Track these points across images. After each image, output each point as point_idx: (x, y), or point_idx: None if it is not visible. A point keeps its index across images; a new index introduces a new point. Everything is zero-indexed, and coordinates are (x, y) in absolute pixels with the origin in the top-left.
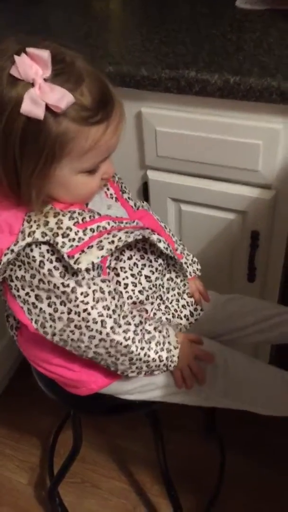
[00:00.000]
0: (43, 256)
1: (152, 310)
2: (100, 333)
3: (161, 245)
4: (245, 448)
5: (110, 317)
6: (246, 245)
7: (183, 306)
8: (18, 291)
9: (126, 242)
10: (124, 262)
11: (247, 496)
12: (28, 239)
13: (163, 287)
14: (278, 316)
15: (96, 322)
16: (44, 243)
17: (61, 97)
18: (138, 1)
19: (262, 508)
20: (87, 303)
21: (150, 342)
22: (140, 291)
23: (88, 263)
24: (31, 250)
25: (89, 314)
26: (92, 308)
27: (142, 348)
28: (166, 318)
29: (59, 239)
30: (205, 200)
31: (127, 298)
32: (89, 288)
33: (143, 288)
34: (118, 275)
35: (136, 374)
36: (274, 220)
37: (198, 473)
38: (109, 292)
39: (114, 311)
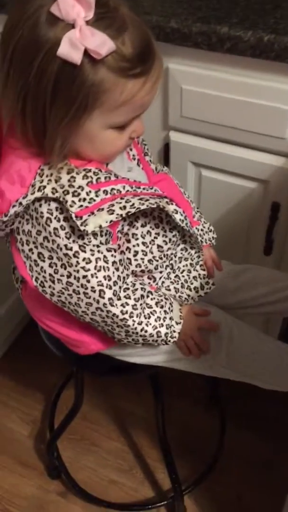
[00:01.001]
0: (51, 213)
1: (160, 278)
2: (98, 302)
3: (177, 217)
4: (245, 420)
5: (110, 288)
6: (266, 216)
7: (194, 277)
8: (22, 245)
9: (138, 209)
10: (137, 228)
11: (243, 468)
12: (37, 194)
13: (175, 256)
14: None
15: (95, 291)
16: (54, 199)
17: (102, 43)
18: None
19: (257, 481)
20: (88, 270)
21: (149, 317)
22: (149, 260)
23: (96, 226)
24: (40, 206)
25: (88, 281)
26: (92, 276)
27: (140, 323)
28: (175, 288)
29: (69, 197)
30: (227, 167)
31: (136, 266)
32: (93, 255)
33: (154, 257)
34: (129, 241)
35: (132, 344)
36: None
37: (197, 441)
38: (113, 263)
39: (115, 282)
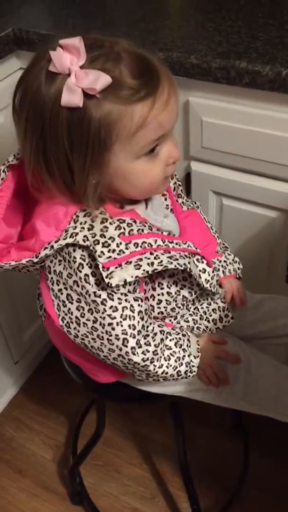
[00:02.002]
0: (84, 260)
1: (179, 313)
2: (120, 349)
3: (204, 277)
4: (269, 448)
5: (134, 337)
6: (287, 245)
7: (213, 309)
8: (52, 284)
9: (165, 268)
10: (164, 278)
11: (267, 498)
12: (69, 240)
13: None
14: None
15: (118, 339)
16: (85, 247)
17: (95, 79)
18: None
19: (280, 511)
20: (114, 318)
21: (169, 359)
22: (172, 309)
23: (120, 280)
24: (74, 250)
25: (113, 329)
26: (117, 324)
27: (161, 366)
28: (193, 319)
29: (99, 248)
30: (248, 196)
31: (158, 313)
32: (120, 303)
33: (177, 305)
34: (154, 289)
35: (152, 382)
36: None
37: (220, 469)
38: (139, 312)
39: (139, 332)
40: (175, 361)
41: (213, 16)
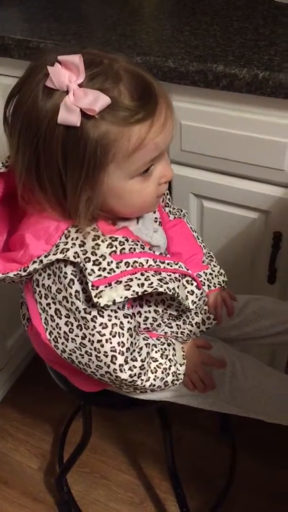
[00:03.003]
0: (75, 276)
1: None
2: (108, 366)
3: (191, 299)
4: (257, 449)
5: (122, 354)
6: (268, 245)
7: (195, 313)
8: (40, 298)
9: (155, 290)
10: (152, 296)
11: (256, 498)
12: (60, 255)
13: None
14: None
15: (107, 356)
16: (75, 264)
17: (94, 100)
18: None
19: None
20: (104, 335)
21: (156, 371)
22: (159, 325)
23: (109, 301)
24: (65, 266)
25: (102, 346)
26: (106, 341)
27: (148, 379)
28: (177, 325)
29: (89, 265)
30: (228, 198)
31: (144, 329)
32: (110, 320)
33: (163, 321)
34: (141, 306)
35: (139, 394)
36: None
37: (208, 472)
38: (128, 329)
39: (127, 349)
40: (162, 372)
41: (189, 20)
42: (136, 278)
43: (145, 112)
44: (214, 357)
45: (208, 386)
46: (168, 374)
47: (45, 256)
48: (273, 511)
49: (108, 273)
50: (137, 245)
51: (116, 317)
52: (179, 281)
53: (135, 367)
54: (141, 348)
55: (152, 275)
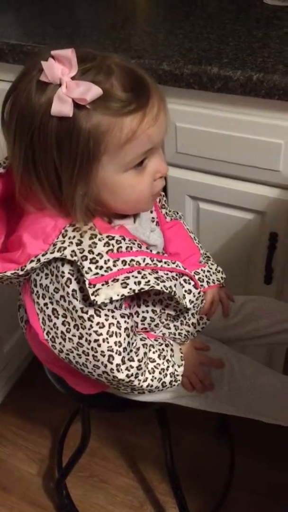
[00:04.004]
0: (72, 275)
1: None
2: (105, 366)
3: (188, 298)
4: (255, 450)
5: (120, 354)
6: (264, 246)
7: (192, 314)
8: (38, 298)
9: (152, 288)
10: (150, 296)
11: (255, 499)
12: (57, 254)
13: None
14: None
15: (104, 355)
16: (72, 262)
17: (86, 90)
18: None
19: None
20: (100, 334)
21: (153, 372)
22: (156, 325)
23: (106, 298)
24: (62, 265)
25: (99, 345)
26: (103, 340)
27: (145, 380)
28: (174, 325)
29: (86, 264)
30: (224, 199)
31: (141, 329)
32: (107, 320)
33: (160, 321)
34: (139, 305)
35: (137, 395)
36: None
37: (207, 472)
38: (125, 329)
39: (124, 349)
40: (160, 373)
41: (182, 23)
42: (133, 276)
43: (137, 103)
44: (212, 357)
45: (206, 387)
46: (166, 374)
47: (43, 255)
48: (273, 511)
49: (105, 271)
50: (134, 244)
51: (113, 316)
52: (176, 280)
53: (132, 367)
54: (138, 348)
55: (149, 274)
